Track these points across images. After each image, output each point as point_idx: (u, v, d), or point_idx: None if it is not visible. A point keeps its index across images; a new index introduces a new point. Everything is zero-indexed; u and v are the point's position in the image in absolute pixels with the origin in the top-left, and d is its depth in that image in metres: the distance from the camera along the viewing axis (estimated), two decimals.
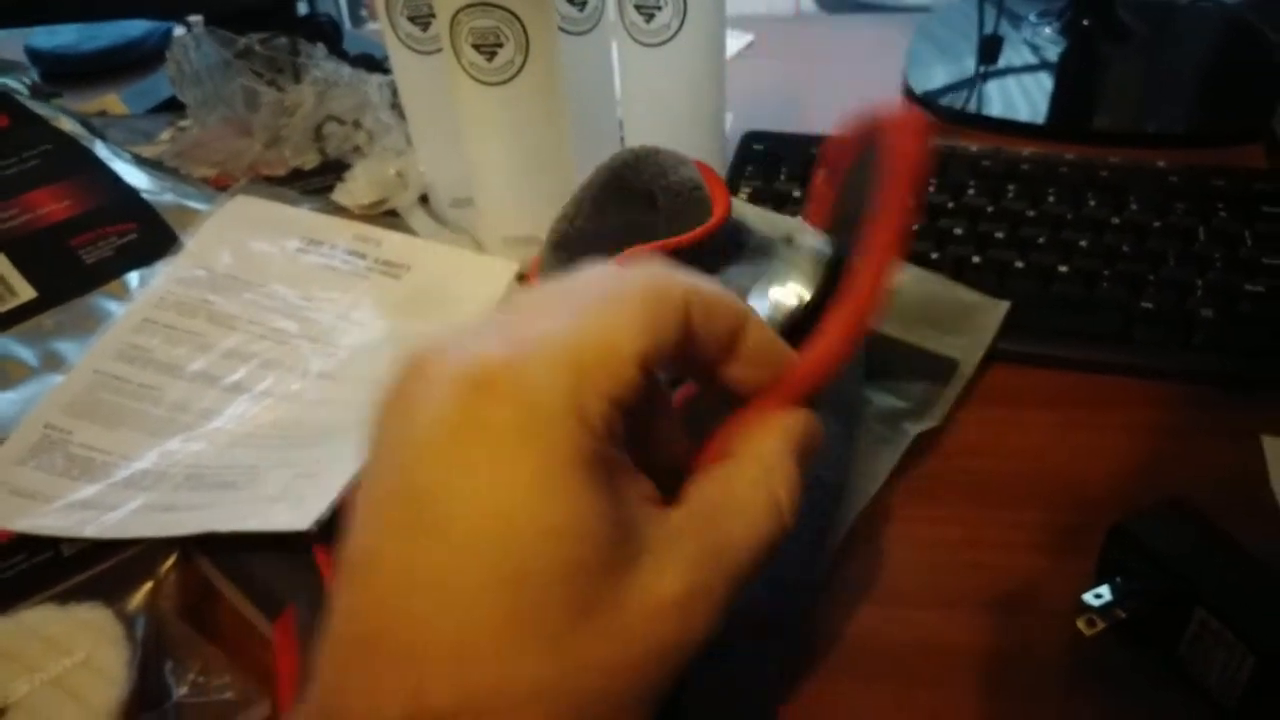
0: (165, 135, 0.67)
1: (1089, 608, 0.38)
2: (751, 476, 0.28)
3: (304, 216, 0.60)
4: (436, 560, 0.24)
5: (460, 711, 0.24)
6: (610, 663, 0.25)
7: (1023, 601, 0.41)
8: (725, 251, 0.53)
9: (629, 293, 0.26)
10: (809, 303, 0.33)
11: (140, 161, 0.61)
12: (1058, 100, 0.73)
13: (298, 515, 0.40)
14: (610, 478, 0.25)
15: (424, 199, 0.64)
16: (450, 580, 0.24)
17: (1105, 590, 0.38)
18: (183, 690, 0.39)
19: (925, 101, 0.74)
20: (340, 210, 0.62)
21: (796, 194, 0.62)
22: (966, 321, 0.52)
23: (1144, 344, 0.52)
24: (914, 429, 0.47)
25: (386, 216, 0.63)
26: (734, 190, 0.63)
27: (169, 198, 0.59)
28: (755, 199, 0.62)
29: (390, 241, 0.59)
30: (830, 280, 0.33)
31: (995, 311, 0.52)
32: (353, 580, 0.25)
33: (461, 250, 0.60)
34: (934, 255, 0.57)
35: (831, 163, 0.39)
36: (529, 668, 0.24)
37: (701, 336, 0.27)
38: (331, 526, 0.41)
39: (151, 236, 0.56)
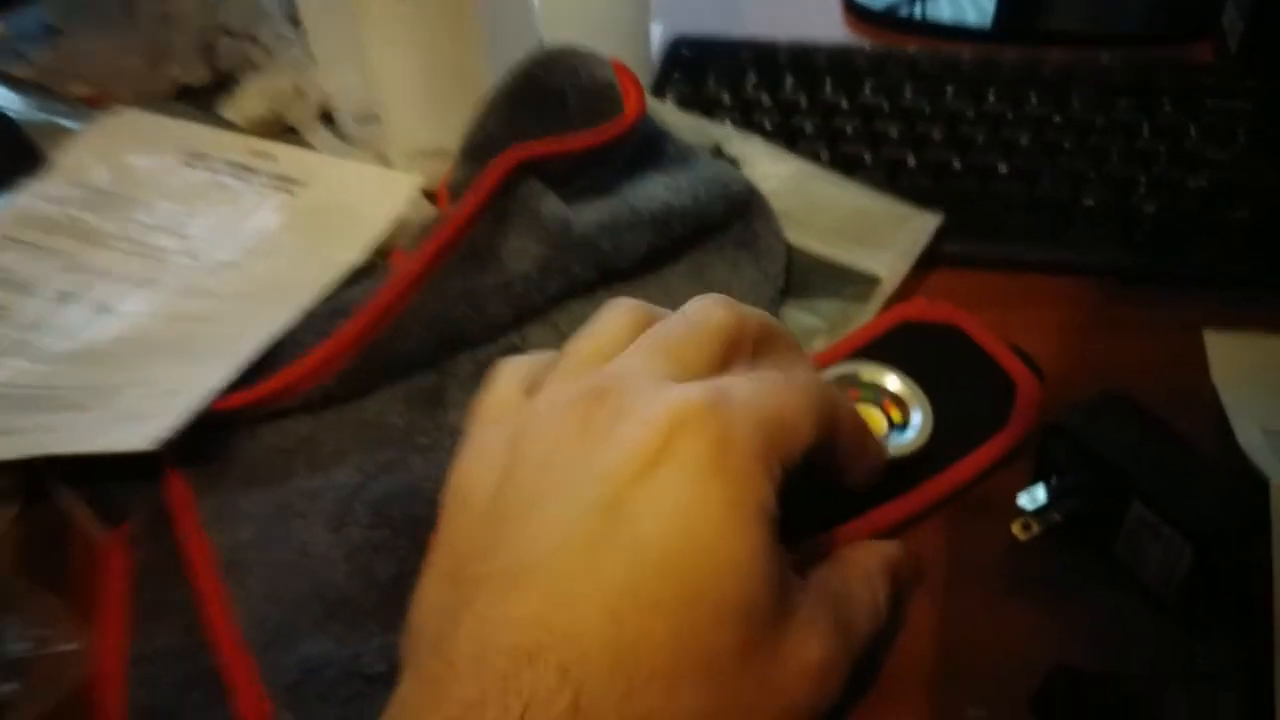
0: (41, 55, 0.61)
1: (1023, 511, 0.35)
2: (861, 577, 0.31)
3: (191, 130, 0.55)
4: (617, 574, 0.24)
5: None
6: (758, 713, 0.25)
7: (961, 508, 0.38)
8: (642, 157, 0.49)
9: (811, 390, 0.29)
10: (920, 451, 0.38)
11: (7, 80, 0.56)
12: (1004, 2, 0.69)
13: (141, 434, 0.36)
14: (775, 535, 0.26)
15: (328, 117, 0.60)
16: (628, 596, 0.24)
17: (1040, 491, 0.35)
18: (24, 645, 0.35)
19: (866, 10, 0.69)
20: (232, 127, 0.57)
21: (726, 99, 0.58)
22: (893, 235, 0.48)
23: (1085, 242, 0.48)
24: (824, 347, 0.44)
25: (285, 134, 0.58)
26: (660, 96, 0.58)
27: (40, 117, 0.54)
28: (683, 105, 0.58)
29: (287, 156, 0.55)
30: (934, 433, 0.38)
31: (925, 224, 0.48)
32: (512, 587, 0.25)
33: (362, 165, 0.55)
34: (866, 157, 0.53)
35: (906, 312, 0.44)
36: (689, 698, 0.24)
37: (843, 445, 0.31)
38: (185, 448, 0.38)
39: (16, 157, 0.52)
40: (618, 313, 0.31)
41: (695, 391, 0.26)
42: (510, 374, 0.32)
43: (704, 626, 0.24)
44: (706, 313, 0.30)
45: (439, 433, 0.41)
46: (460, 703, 0.23)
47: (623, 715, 0.24)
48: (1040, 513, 0.34)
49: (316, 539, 0.37)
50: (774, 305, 0.46)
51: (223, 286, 0.47)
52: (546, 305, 0.44)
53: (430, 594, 0.28)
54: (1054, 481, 0.34)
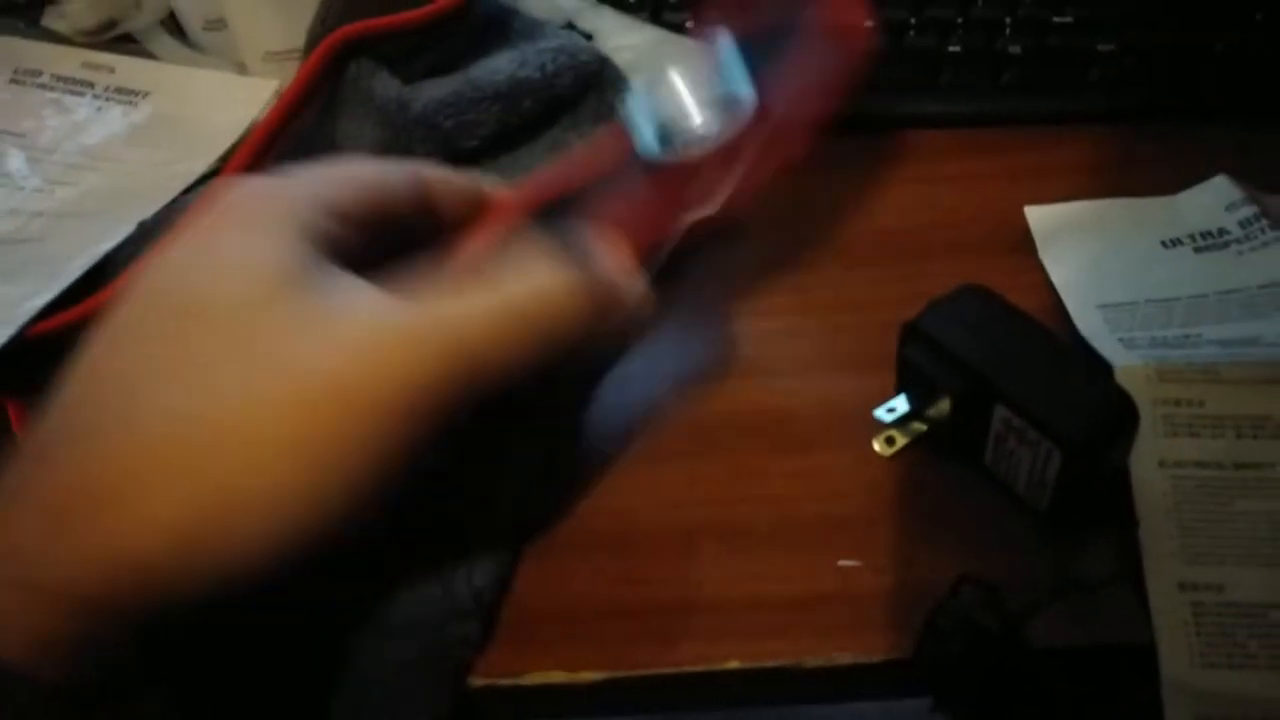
0: None
1: (883, 425, 0.29)
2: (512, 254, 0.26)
3: (15, 46, 0.46)
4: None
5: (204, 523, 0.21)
6: (343, 369, 0.21)
7: (818, 431, 0.31)
8: (488, 35, 0.41)
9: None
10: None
11: None
12: None
13: None
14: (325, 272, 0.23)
15: (171, 22, 0.49)
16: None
17: (900, 401, 0.29)
18: None
19: None
20: (61, 40, 0.47)
21: None
22: None
23: (952, 90, 0.41)
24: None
25: (122, 43, 0.48)
26: None
27: None
28: None
29: (126, 67, 0.46)
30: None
31: None
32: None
33: (214, 72, 0.46)
34: None
35: None
36: (239, 385, 0.21)
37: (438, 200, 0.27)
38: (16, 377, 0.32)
39: None
40: None
41: (258, 184, 0.26)
42: None
43: (224, 324, 0.22)
44: None
45: None
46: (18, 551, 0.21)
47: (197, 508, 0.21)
48: (902, 424, 0.29)
49: None
50: None
51: (53, 205, 0.39)
52: None
53: None
54: (914, 390, 0.29)
